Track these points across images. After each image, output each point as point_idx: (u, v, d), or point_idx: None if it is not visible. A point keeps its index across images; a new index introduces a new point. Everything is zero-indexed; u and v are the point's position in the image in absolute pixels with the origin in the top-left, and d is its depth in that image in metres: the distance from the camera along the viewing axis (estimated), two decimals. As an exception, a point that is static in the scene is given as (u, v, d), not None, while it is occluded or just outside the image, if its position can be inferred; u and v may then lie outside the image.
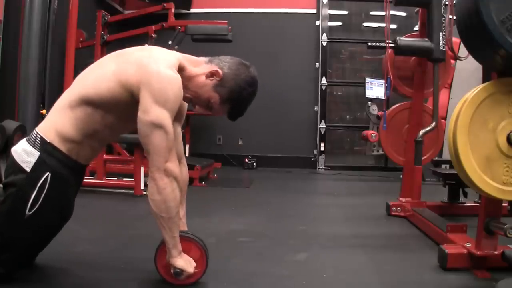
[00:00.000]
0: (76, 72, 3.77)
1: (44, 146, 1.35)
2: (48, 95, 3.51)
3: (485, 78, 1.76)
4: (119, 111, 1.40)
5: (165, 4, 3.96)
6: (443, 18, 2.47)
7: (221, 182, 4.07)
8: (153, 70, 1.32)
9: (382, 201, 2.79)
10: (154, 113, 1.30)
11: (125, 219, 2.52)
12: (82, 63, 3.81)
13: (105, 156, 3.38)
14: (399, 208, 2.64)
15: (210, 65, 1.49)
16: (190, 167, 3.79)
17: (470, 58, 1.73)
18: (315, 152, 5.41)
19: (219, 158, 4.80)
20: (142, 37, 3.99)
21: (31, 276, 1.44)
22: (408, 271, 1.68)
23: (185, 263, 1.40)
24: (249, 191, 3.62)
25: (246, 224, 2.42)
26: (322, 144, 5.38)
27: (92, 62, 1.53)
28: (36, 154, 1.34)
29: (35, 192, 1.31)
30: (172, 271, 1.40)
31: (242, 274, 1.61)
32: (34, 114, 3.33)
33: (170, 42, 3.87)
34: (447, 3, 2.48)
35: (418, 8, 2.72)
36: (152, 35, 3.87)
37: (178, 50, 4.18)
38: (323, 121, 5.40)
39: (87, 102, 1.37)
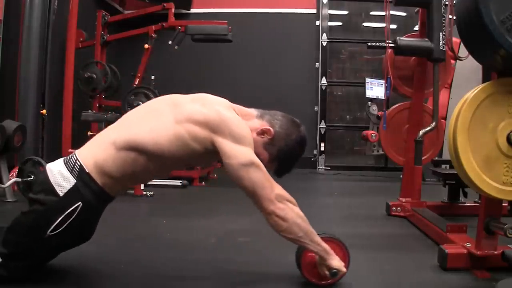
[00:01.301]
0: (76, 72, 3.80)
1: (81, 175, 1.33)
2: (48, 95, 3.51)
3: (485, 78, 1.76)
4: (167, 160, 1.39)
5: (165, 4, 3.96)
6: (443, 18, 2.46)
7: (221, 182, 4.07)
8: (218, 117, 1.34)
9: (382, 201, 2.79)
10: (239, 154, 1.31)
11: (125, 219, 2.51)
12: (82, 63, 3.83)
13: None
14: (399, 208, 2.64)
15: (261, 121, 1.49)
16: (190, 167, 3.81)
17: (470, 58, 1.73)
18: (315, 152, 5.41)
19: (219, 158, 4.79)
20: (142, 37, 3.99)
21: (30, 276, 1.44)
22: (408, 271, 1.68)
23: (340, 262, 1.41)
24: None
25: (246, 224, 2.42)
26: (322, 144, 5.38)
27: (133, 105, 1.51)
28: (72, 181, 1.32)
29: (61, 217, 1.30)
30: (327, 272, 1.40)
31: (242, 274, 1.61)
32: (34, 114, 3.34)
33: (170, 42, 3.87)
34: (447, 3, 2.48)
35: (418, 8, 2.72)
36: (152, 35, 3.87)
37: (179, 50, 4.19)
38: (323, 121, 5.41)
39: (137, 149, 1.34)
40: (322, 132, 5.40)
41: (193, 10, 5.48)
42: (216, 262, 1.72)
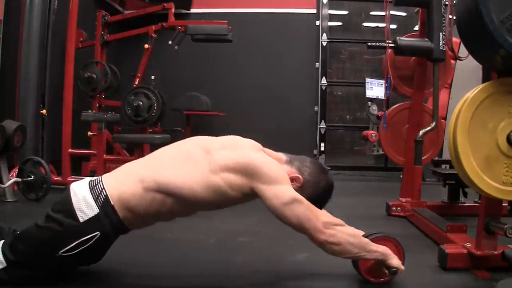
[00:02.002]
0: (76, 72, 3.79)
1: (105, 206, 1.33)
2: (48, 95, 3.51)
3: (485, 78, 1.76)
4: (198, 204, 1.40)
5: (165, 4, 3.96)
6: (443, 18, 2.47)
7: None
8: (253, 163, 1.36)
9: (382, 201, 2.79)
10: (279, 195, 1.33)
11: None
12: (82, 63, 3.83)
13: (105, 156, 3.38)
14: (399, 208, 2.64)
15: (291, 167, 1.49)
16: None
17: (470, 58, 1.73)
18: (315, 152, 5.41)
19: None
20: (142, 37, 3.99)
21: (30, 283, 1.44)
22: (408, 271, 1.68)
23: (398, 261, 1.44)
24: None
25: (246, 224, 2.42)
26: (322, 144, 5.38)
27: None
28: (95, 210, 1.32)
29: (76, 242, 1.30)
30: (387, 271, 1.44)
31: (242, 274, 1.61)
32: (34, 114, 3.34)
33: (170, 42, 3.87)
34: (447, 3, 2.48)
35: (418, 8, 2.72)
36: (152, 35, 3.87)
37: (179, 50, 4.18)
38: (323, 121, 5.40)
39: (168, 192, 1.34)
40: (322, 132, 5.40)
41: (193, 10, 5.47)
42: (216, 262, 1.72)
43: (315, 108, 5.43)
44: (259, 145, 1.50)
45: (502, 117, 1.47)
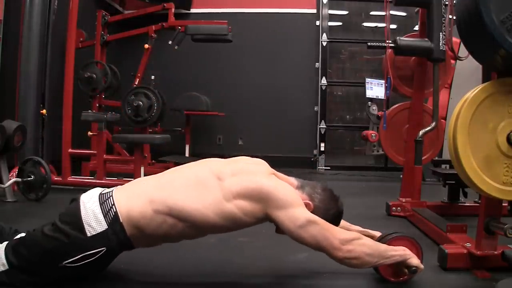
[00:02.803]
0: (76, 72, 3.79)
1: (114, 223, 1.33)
2: (48, 95, 3.51)
3: (485, 78, 1.76)
4: (209, 229, 1.41)
5: (165, 4, 3.96)
6: (443, 18, 2.46)
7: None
8: (265, 189, 1.37)
9: (382, 201, 2.79)
10: (294, 218, 1.35)
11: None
12: (82, 63, 3.83)
13: (105, 156, 3.39)
14: (399, 208, 2.64)
15: (302, 193, 1.49)
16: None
17: (470, 58, 1.73)
18: (315, 152, 5.41)
19: (219, 158, 4.78)
20: (142, 37, 3.99)
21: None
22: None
23: (418, 260, 1.46)
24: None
25: (246, 224, 2.42)
26: (322, 144, 5.38)
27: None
28: (104, 226, 1.32)
29: (81, 255, 1.30)
30: (407, 271, 1.45)
31: (242, 274, 1.61)
32: (34, 114, 3.34)
33: (170, 42, 3.87)
34: (447, 3, 2.48)
35: (418, 8, 2.72)
36: (152, 35, 3.87)
37: (179, 50, 4.18)
38: (323, 121, 5.41)
39: (179, 217, 1.35)
40: (322, 132, 5.40)
41: (193, 10, 5.47)
42: (216, 262, 1.72)
43: (315, 108, 5.43)
44: (269, 168, 1.51)
45: (502, 117, 1.47)
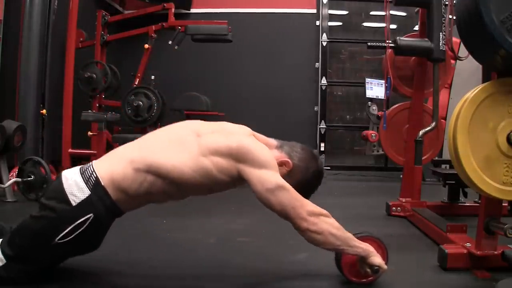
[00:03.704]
0: (76, 72, 3.79)
1: (96, 188, 1.33)
2: (48, 95, 3.51)
3: (485, 78, 1.76)
4: (188, 187, 1.40)
5: (165, 4, 3.97)
6: (443, 18, 2.46)
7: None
8: (242, 146, 1.37)
9: (382, 201, 2.79)
10: (266, 179, 1.34)
11: (125, 219, 2.51)
12: (82, 63, 3.83)
13: (105, 156, 3.38)
14: (399, 208, 2.64)
15: (280, 152, 1.50)
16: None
17: (470, 58, 1.73)
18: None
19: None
20: (142, 37, 3.99)
21: (28, 280, 1.44)
22: (408, 271, 1.68)
23: (381, 259, 1.42)
24: (249, 191, 3.60)
25: (246, 224, 2.42)
26: (322, 144, 5.38)
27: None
28: (86, 192, 1.32)
29: (71, 227, 1.30)
30: (369, 270, 1.42)
31: (242, 274, 1.61)
32: (34, 114, 3.34)
33: (170, 42, 3.87)
34: (447, 3, 2.48)
35: (418, 8, 2.72)
36: (152, 35, 3.87)
37: (179, 50, 4.19)
38: (323, 121, 5.41)
39: (158, 174, 1.35)
40: (322, 132, 5.40)
41: (193, 10, 5.47)
42: (215, 262, 1.72)
43: (315, 108, 5.43)
44: (249, 130, 1.50)
45: (502, 117, 1.47)
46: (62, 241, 1.31)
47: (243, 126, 1.52)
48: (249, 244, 2.01)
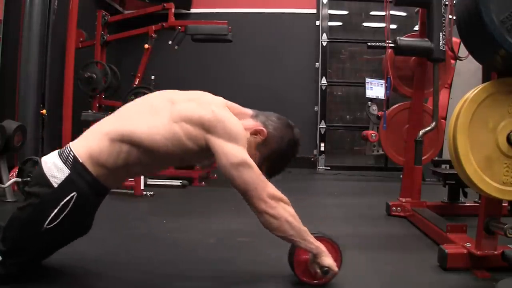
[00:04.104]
0: (76, 72, 3.79)
1: (75, 166, 1.33)
2: (48, 95, 3.52)
3: (485, 78, 1.76)
4: (161, 156, 1.39)
5: (165, 4, 3.97)
6: (443, 18, 2.46)
7: (221, 182, 4.06)
8: (213, 116, 1.35)
9: (382, 201, 2.79)
10: (232, 154, 1.33)
11: (125, 219, 2.51)
12: (82, 63, 3.83)
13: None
14: (399, 208, 2.64)
15: (255, 121, 1.49)
16: (190, 167, 3.81)
17: (470, 58, 1.73)
18: (315, 152, 5.41)
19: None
20: (142, 37, 3.99)
21: (30, 276, 1.44)
22: (408, 271, 1.68)
23: (332, 261, 1.40)
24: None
25: (246, 224, 2.41)
26: (322, 144, 5.38)
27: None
28: (66, 171, 1.32)
29: (57, 209, 1.30)
30: (319, 270, 1.39)
31: (242, 274, 1.61)
32: (34, 114, 3.34)
33: (170, 42, 3.87)
34: (447, 3, 2.48)
35: (418, 8, 2.72)
36: (152, 35, 3.88)
37: (179, 51, 4.19)
38: (323, 121, 5.41)
39: (132, 142, 1.35)
40: (322, 132, 5.40)
41: (193, 10, 5.48)
42: (215, 262, 1.72)
43: (315, 108, 5.43)
44: (225, 101, 1.48)
45: (502, 117, 1.47)
46: (51, 225, 1.30)
47: (219, 97, 1.50)
48: (249, 244, 2.01)
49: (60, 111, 3.49)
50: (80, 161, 1.33)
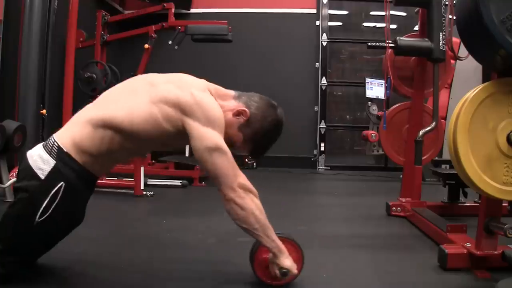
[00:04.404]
0: (76, 72, 3.78)
1: (60, 155, 1.33)
2: (48, 95, 3.51)
3: (485, 78, 1.76)
4: (144, 140, 1.40)
5: (165, 4, 3.96)
6: (443, 18, 2.46)
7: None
8: (192, 98, 1.34)
9: (382, 201, 2.79)
10: (207, 137, 1.32)
11: (125, 219, 2.52)
12: (82, 63, 3.83)
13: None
14: (399, 208, 2.64)
15: (238, 102, 1.49)
16: (190, 167, 3.81)
17: (470, 58, 1.73)
18: (315, 152, 5.41)
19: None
20: (142, 37, 3.99)
21: (30, 276, 1.44)
22: (408, 271, 1.68)
23: (292, 263, 1.39)
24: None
25: (246, 224, 2.42)
26: (322, 144, 5.38)
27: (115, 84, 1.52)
28: (51, 162, 1.32)
29: (47, 200, 1.30)
30: (278, 271, 1.38)
31: (242, 274, 1.61)
32: (34, 114, 3.34)
33: (170, 42, 3.87)
34: (447, 3, 2.48)
35: (418, 8, 2.72)
36: (152, 35, 3.87)
37: (179, 51, 4.19)
38: (323, 121, 5.41)
39: (113, 127, 1.35)
40: (322, 132, 5.40)
41: (193, 10, 5.47)
42: (215, 262, 1.72)
43: (315, 108, 5.43)
44: (207, 84, 1.48)
45: (502, 117, 1.47)
46: (43, 217, 1.30)
47: (202, 80, 1.49)
48: (249, 244, 1.99)
49: (60, 111, 3.48)
50: (65, 150, 1.34)
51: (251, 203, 1.34)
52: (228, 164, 1.33)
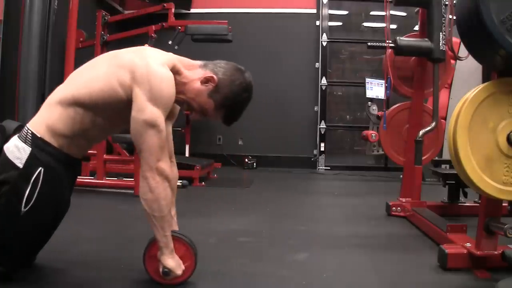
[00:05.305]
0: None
1: (35, 141, 1.34)
2: (48, 95, 3.51)
3: (485, 78, 1.76)
4: (109, 113, 1.40)
5: (165, 4, 3.96)
6: (443, 18, 2.47)
7: (221, 182, 4.07)
8: (145, 68, 1.33)
9: (382, 201, 2.79)
10: (147, 111, 1.31)
11: (125, 219, 2.52)
12: (82, 63, 3.83)
13: (105, 156, 3.38)
14: (399, 208, 2.64)
15: (204, 70, 1.49)
16: (190, 167, 3.81)
17: (470, 58, 1.73)
18: (315, 152, 5.41)
19: (219, 158, 4.80)
20: (142, 37, 3.99)
21: (30, 276, 1.44)
22: (408, 271, 1.68)
23: (175, 263, 1.38)
24: (249, 191, 3.61)
25: (246, 224, 2.42)
26: (322, 144, 5.38)
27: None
28: (27, 149, 1.33)
29: (29, 188, 1.30)
30: (160, 270, 1.38)
31: (242, 274, 1.61)
32: (34, 114, 3.33)
33: (170, 42, 3.87)
34: (447, 3, 2.48)
35: (418, 8, 2.72)
36: (152, 35, 3.87)
37: (179, 51, 4.19)
38: (323, 121, 5.41)
39: (79, 103, 1.36)
40: (322, 132, 5.40)
41: (193, 10, 5.47)
42: (215, 262, 1.72)
43: (315, 108, 5.43)
44: (170, 57, 1.46)
45: (502, 117, 1.47)
46: (28, 206, 1.30)
47: (169, 53, 1.49)
48: (249, 244, 2.01)
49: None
50: (39, 136, 1.35)
51: (162, 191, 1.33)
52: (157, 144, 1.32)
